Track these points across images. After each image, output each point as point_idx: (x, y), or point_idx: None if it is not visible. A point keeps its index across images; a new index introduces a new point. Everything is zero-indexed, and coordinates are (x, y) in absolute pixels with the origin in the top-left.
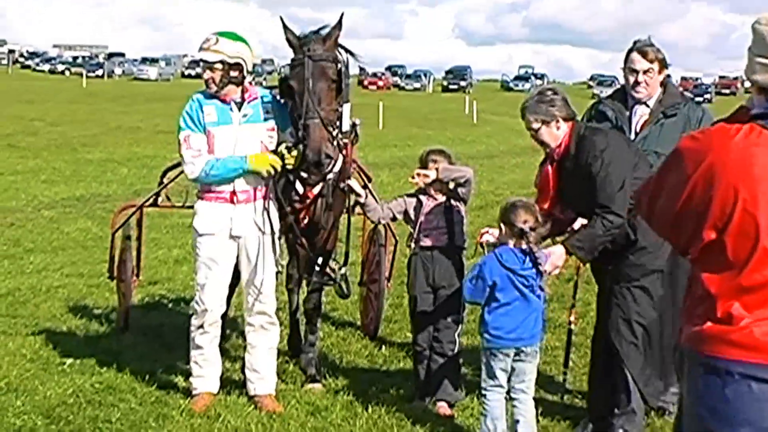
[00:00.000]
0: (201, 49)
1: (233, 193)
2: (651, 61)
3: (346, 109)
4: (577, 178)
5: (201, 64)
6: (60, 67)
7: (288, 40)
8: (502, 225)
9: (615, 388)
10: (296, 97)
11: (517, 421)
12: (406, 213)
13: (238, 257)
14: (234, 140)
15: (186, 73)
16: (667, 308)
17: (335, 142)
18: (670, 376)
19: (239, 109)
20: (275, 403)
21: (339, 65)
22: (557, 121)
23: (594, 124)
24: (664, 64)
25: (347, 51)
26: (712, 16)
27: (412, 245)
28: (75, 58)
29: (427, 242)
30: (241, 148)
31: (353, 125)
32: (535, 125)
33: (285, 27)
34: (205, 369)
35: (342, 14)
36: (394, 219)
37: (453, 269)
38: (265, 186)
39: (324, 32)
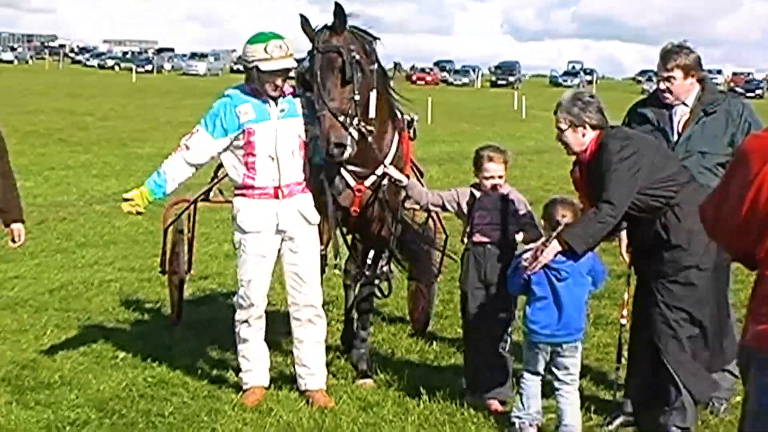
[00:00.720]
0: (272, 57)
1: (278, 188)
2: (671, 69)
3: (372, 96)
4: (597, 181)
5: (267, 71)
6: (110, 63)
7: (306, 34)
8: (542, 221)
9: (661, 384)
10: (314, 89)
11: (562, 412)
12: (459, 206)
13: (280, 251)
14: (274, 135)
15: (234, 68)
16: (708, 303)
17: (353, 131)
18: (716, 368)
19: (276, 105)
20: (326, 397)
21: (352, 52)
22: (584, 127)
23: (619, 130)
24: (689, 69)
25: (364, 34)
26: (765, 11)
27: (465, 240)
28: (125, 53)
29: (479, 238)
30: (281, 143)
31: (411, 121)
32: (563, 125)
33: (302, 23)
34: (253, 363)
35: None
36: (444, 208)
37: (507, 266)
38: (305, 178)
39: (334, 23)
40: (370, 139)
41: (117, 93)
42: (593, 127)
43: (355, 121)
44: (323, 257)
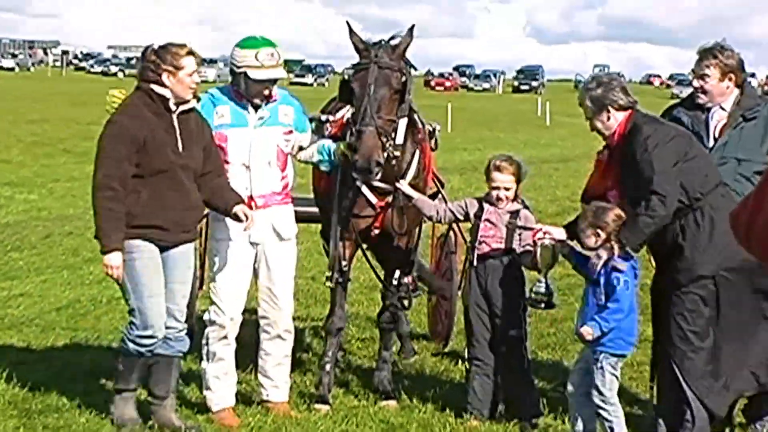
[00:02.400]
0: (263, 66)
1: (250, 198)
2: (706, 67)
3: (402, 123)
4: (629, 167)
5: (256, 80)
6: (114, 69)
7: (354, 44)
8: (588, 228)
9: (679, 399)
10: (355, 101)
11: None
12: (467, 216)
13: (254, 264)
14: (248, 143)
15: None
16: (729, 315)
17: (386, 154)
18: (735, 385)
19: (256, 111)
20: (288, 408)
21: (404, 77)
22: (609, 110)
23: (649, 115)
24: (727, 71)
25: (409, 64)
26: None
27: (470, 252)
28: (130, 59)
29: (482, 250)
30: (256, 152)
31: (432, 131)
32: (589, 113)
33: (351, 30)
34: (225, 382)
35: (413, 26)
36: (456, 220)
37: (511, 280)
38: (283, 189)
39: (394, 41)
40: (394, 161)
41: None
42: (620, 108)
43: (388, 145)
44: (346, 271)
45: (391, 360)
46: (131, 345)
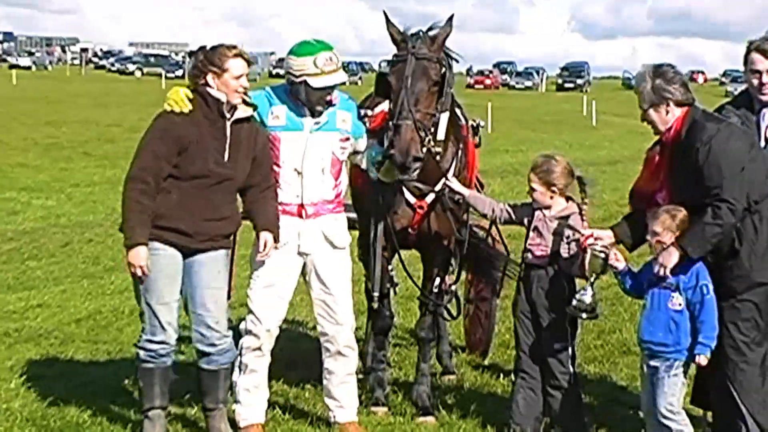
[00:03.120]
0: (323, 72)
1: (301, 206)
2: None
3: (443, 118)
4: (686, 167)
5: (318, 88)
6: (132, 67)
7: (391, 35)
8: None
9: (732, 415)
10: (392, 95)
11: None
12: (521, 221)
13: (305, 277)
14: (302, 148)
15: (273, 72)
16: None
17: (425, 150)
18: None
19: (313, 116)
20: (359, 429)
21: (444, 68)
22: (668, 104)
23: (709, 112)
24: None
25: (449, 56)
26: None
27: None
28: (152, 56)
29: (530, 258)
30: (310, 157)
31: (476, 127)
32: (644, 105)
33: (388, 21)
34: (256, 397)
35: (452, 15)
36: (511, 221)
37: (558, 290)
38: (336, 198)
39: (432, 32)
40: (437, 157)
41: (145, 101)
42: (678, 104)
43: (427, 140)
44: (390, 278)
45: (430, 373)
46: (141, 352)
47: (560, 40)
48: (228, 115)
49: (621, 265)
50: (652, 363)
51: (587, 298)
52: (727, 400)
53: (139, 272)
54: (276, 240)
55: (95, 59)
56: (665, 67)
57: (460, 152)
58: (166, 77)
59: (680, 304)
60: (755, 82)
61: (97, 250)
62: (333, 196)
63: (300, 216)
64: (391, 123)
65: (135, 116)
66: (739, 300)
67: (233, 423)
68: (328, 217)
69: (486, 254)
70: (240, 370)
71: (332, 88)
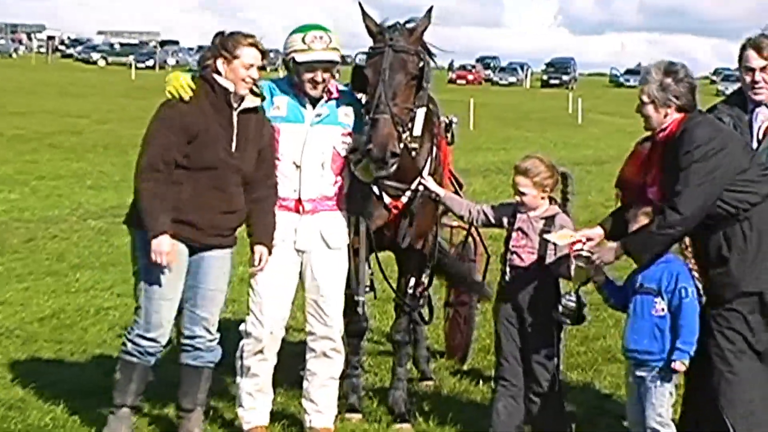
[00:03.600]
0: (310, 48)
1: (298, 201)
2: (767, 58)
3: (420, 113)
4: (673, 169)
5: (303, 64)
6: (98, 56)
7: (367, 27)
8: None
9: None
10: (369, 88)
11: None
12: (501, 222)
13: (301, 274)
14: (302, 141)
15: None
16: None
17: (402, 145)
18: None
19: (314, 107)
20: None
21: (422, 61)
22: (670, 107)
23: (707, 118)
24: None
25: (428, 51)
26: None
27: (502, 264)
28: (123, 45)
29: (513, 261)
30: (310, 151)
31: (449, 124)
32: (645, 98)
33: (364, 13)
34: (259, 400)
35: (431, 7)
36: (489, 224)
37: (544, 294)
38: (336, 195)
39: (410, 24)
40: (413, 153)
41: (115, 92)
42: (679, 109)
43: (405, 136)
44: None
45: (407, 377)
46: (129, 345)
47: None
48: (235, 105)
49: (603, 277)
50: (639, 372)
51: (572, 304)
52: (713, 411)
53: (164, 261)
54: (270, 252)
55: (62, 47)
56: (678, 66)
57: (435, 149)
58: (136, 67)
59: (663, 310)
60: (747, 79)
61: (62, 246)
62: (333, 193)
63: (297, 211)
64: (367, 117)
65: (104, 107)
66: (726, 309)
67: (238, 428)
68: (326, 215)
69: (455, 272)
70: (242, 373)
71: (319, 65)
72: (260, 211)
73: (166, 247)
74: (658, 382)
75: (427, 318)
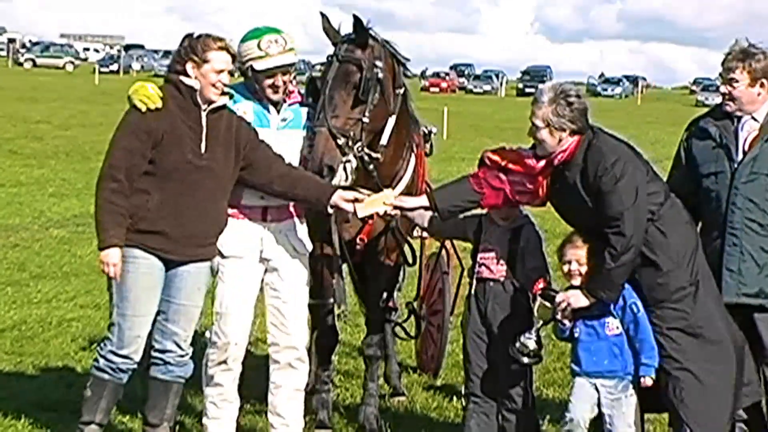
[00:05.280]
0: (267, 54)
1: (266, 209)
2: (734, 70)
3: (390, 122)
4: (580, 192)
5: (262, 70)
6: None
7: (327, 35)
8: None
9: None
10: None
11: None
12: (465, 235)
13: (264, 281)
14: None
15: None
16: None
17: (350, 156)
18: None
19: (278, 112)
20: None
21: (371, 71)
22: (564, 132)
23: (604, 136)
24: (759, 76)
25: (396, 53)
26: None
27: (470, 277)
28: (86, 49)
29: (482, 273)
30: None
31: (428, 134)
32: (539, 123)
33: (324, 20)
34: (224, 410)
35: (368, 20)
36: (455, 236)
37: (514, 307)
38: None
39: (362, 34)
40: (371, 166)
41: (77, 97)
42: (573, 132)
43: (357, 146)
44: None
45: (378, 393)
46: (101, 361)
47: (523, 42)
48: (204, 105)
49: (568, 323)
50: (601, 382)
51: (531, 343)
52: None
53: (112, 272)
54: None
55: (23, 51)
56: (570, 89)
57: (414, 160)
58: (99, 72)
59: (618, 328)
60: (722, 89)
61: (23, 255)
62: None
63: (264, 220)
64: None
65: (65, 113)
66: (661, 308)
67: None
68: (292, 221)
69: None
70: (207, 383)
71: (279, 70)
72: (299, 176)
73: (113, 260)
74: (629, 392)
75: (413, 333)
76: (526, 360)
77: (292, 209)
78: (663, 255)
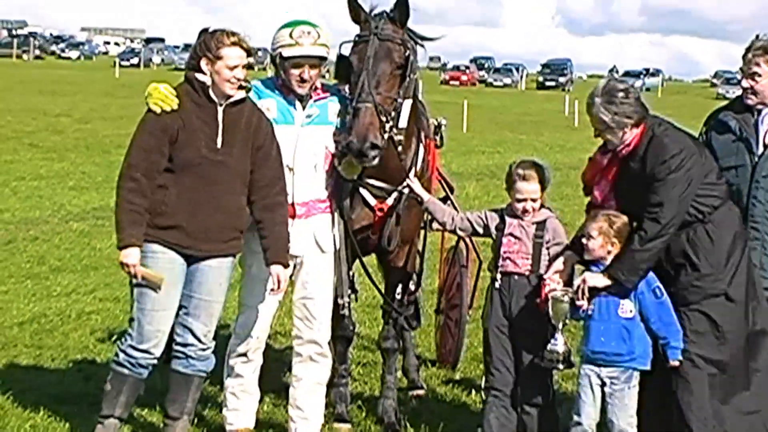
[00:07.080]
0: (297, 43)
1: (291, 206)
2: (757, 64)
3: (406, 105)
4: (641, 182)
5: (290, 60)
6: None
7: (353, 14)
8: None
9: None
10: (353, 77)
11: None
12: (487, 229)
13: (292, 277)
14: (294, 143)
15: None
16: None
17: (386, 136)
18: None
19: (304, 108)
20: None
21: (408, 51)
22: (625, 128)
23: (669, 127)
24: None
25: (416, 39)
26: None
27: (491, 270)
28: (107, 43)
29: (506, 267)
30: (302, 153)
31: (438, 126)
32: (600, 126)
33: (350, 1)
34: (243, 401)
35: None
36: (474, 233)
37: (537, 301)
38: (329, 199)
39: (395, 13)
40: (399, 149)
41: (98, 90)
42: (635, 125)
43: (388, 126)
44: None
45: (396, 386)
46: (121, 356)
47: (544, 35)
48: (221, 101)
49: (586, 305)
50: (608, 373)
51: (559, 347)
52: (669, 413)
53: (132, 271)
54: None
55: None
56: (619, 85)
57: (422, 151)
58: (120, 65)
59: (631, 311)
60: (744, 83)
61: (42, 248)
62: (326, 195)
63: (291, 217)
64: (350, 106)
65: (85, 106)
66: (691, 309)
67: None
68: (319, 218)
69: None
70: (228, 374)
71: (306, 60)
72: (270, 222)
73: (132, 260)
74: (631, 383)
75: (414, 323)
76: (561, 366)
77: (321, 205)
78: (704, 259)
